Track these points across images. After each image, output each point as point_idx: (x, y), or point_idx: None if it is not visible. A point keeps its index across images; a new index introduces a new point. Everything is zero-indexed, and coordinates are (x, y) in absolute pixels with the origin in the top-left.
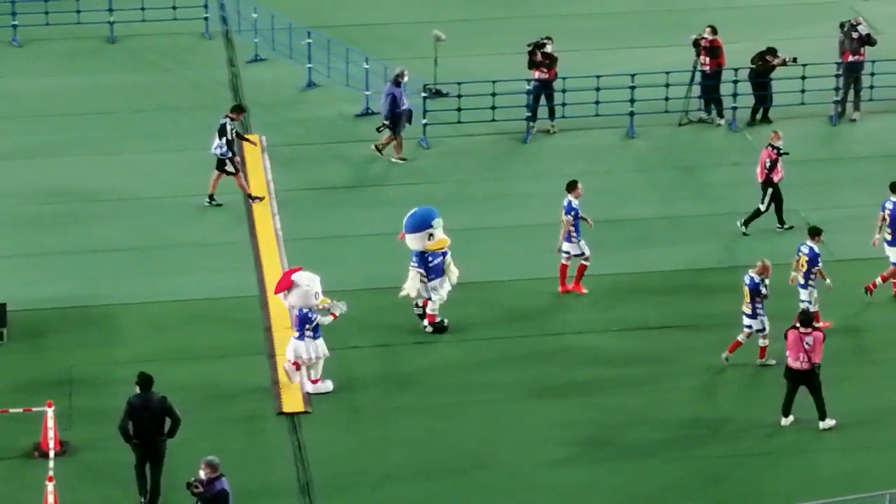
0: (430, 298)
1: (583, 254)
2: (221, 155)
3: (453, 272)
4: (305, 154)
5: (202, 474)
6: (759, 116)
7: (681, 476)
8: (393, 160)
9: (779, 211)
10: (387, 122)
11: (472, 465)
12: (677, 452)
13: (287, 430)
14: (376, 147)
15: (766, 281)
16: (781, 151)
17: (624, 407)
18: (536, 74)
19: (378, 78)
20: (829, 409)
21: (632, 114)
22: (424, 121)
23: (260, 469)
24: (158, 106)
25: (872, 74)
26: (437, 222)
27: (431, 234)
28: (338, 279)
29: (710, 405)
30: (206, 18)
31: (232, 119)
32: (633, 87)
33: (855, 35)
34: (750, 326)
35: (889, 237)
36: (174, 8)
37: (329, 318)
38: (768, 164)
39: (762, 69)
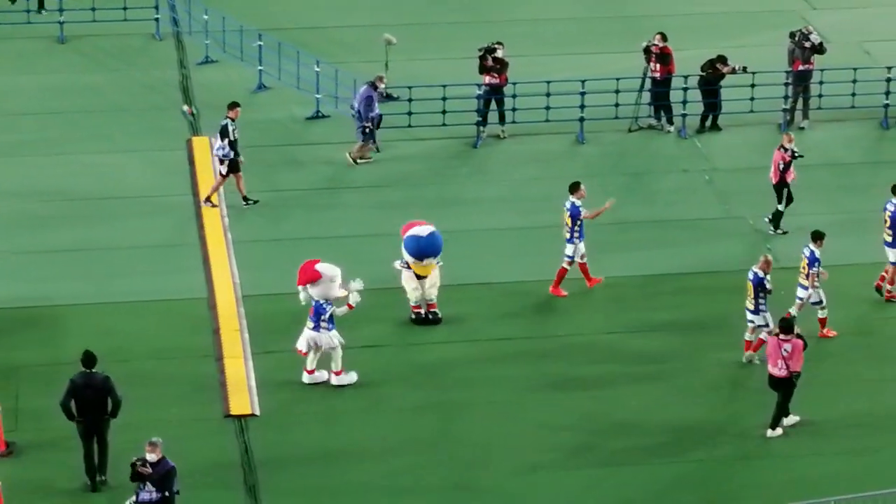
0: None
1: (578, 255)
2: (224, 156)
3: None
4: (256, 156)
5: (149, 456)
6: (708, 124)
7: (676, 480)
8: (357, 161)
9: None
10: (368, 126)
11: (431, 464)
12: (671, 457)
13: (234, 433)
14: (351, 157)
15: (769, 276)
16: (796, 154)
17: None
18: (487, 79)
19: (329, 81)
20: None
21: (582, 119)
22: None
23: (207, 471)
24: (109, 107)
25: (821, 83)
26: (429, 261)
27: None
28: (288, 282)
29: (685, 409)
30: (156, 20)
31: (232, 119)
32: (583, 93)
33: (807, 44)
34: (752, 321)
35: (889, 238)
36: (125, 9)
37: (344, 309)
38: (782, 167)
39: (712, 77)
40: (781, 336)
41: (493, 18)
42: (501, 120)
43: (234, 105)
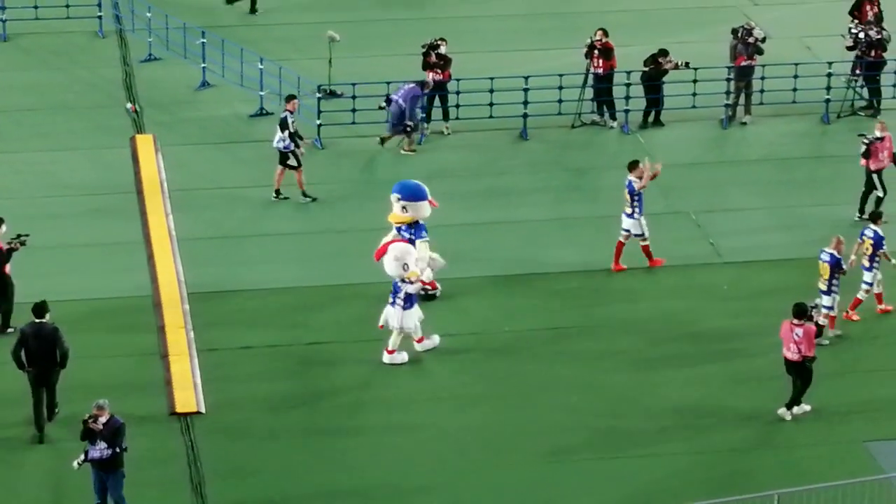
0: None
1: (642, 234)
2: (284, 148)
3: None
4: (199, 154)
5: (99, 415)
6: (650, 119)
7: (685, 469)
8: (403, 152)
9: (865, 199)
10: (410, 124)
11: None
12: (686, 443)
13: (179, 430)
14: (382, 138)
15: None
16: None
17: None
18: (431, 76)
19: (272, 78)
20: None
21: (525, 116)
22: (318, 121)
23: (152, 469)
24: (52, 105)
25: (763, 78)
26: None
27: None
28: (234, 279)
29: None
30: (99, 17)
31: (290, 111)
32: (526, 90)
33: (750, 40)
34: (822, 303)
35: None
36: (67, 6)
37: (416, 286)
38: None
39: (654, 72)
40: (794, 321)
41: (436, 15)
42: (445, 116)
43: (291, 98)
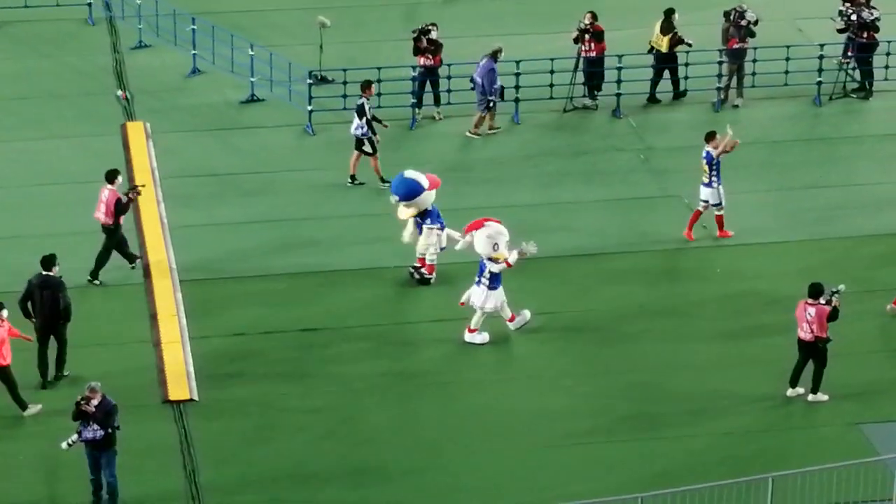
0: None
1: (719, 203)
2: (362, 135)
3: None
4: (190, 141)
5: (91, 398)
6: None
7: (691, 452)
8: (468, 134)
9: None
10: (493, 98)
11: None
12: (691, 428)
13: (173, 418)
14: (472, 133)
15: None
16: None
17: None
18: (422, 61)
19: (263, 64)
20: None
21: (517, 100)
22: (310, 108)
23: (146, 457)
24: (42, 93)
25: (755, 61)
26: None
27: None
28: (224, 267)
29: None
30: (89, 5)
31: (367, 98)
32: (517, 74)
33: (742, 22)
34: None
35: None
36: None
37: (500, 266)
38: None
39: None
40: (808, 301)
41: (426, 0)
42: (436, 101)
43: (368, 84)
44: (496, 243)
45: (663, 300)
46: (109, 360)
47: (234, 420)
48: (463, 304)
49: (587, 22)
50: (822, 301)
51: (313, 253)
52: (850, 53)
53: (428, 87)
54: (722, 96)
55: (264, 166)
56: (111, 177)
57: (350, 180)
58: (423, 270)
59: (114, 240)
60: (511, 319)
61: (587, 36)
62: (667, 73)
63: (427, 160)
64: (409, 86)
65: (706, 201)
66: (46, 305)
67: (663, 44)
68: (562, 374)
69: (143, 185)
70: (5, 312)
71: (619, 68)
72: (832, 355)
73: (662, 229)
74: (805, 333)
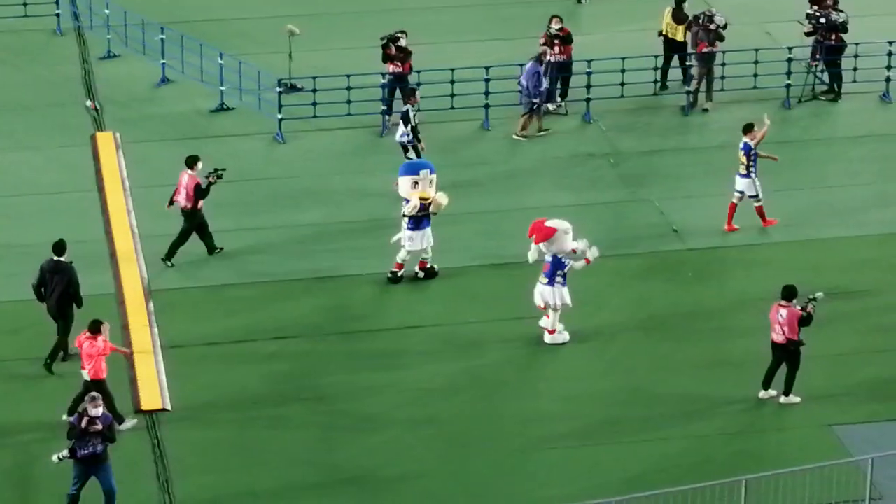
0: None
1: (756, 195)
2: (409, 142)
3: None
4: (161, 150)
5: (93, 411)
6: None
7: (666, 456)
8: (515, 137)
9: None
10: (536, 102)
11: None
12: (665, 431)
13: (146, 428)
14: (518, 135)
15: None
16: None
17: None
18: (391, 68)
19: (233, 73)
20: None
21: (487, 106)
22: (280, 116)
23: (119, 467)
24: (11, 104)
25: (724, 65)
26: (425, 173)
27: (416, 183)
28: (197, 275)
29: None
30: (57, 15)
31: (412, 105)
32: (487, 80)
33: (711, 26)
34: None
35: None
36: (25, 4)
37: (581, 263)
38: None
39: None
40: (781, 303)
41: (395, 7)
42: None
43: (412, 91)
44: (570, 240)
45: (637, 304)
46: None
47: (207, 429)
48: (543, 308)
49: (556, 28)
50: (798, 306)
51: (281, 261)
52: (818, 56)
53: (398, 93)
54: (691, 100)
55: (234, 175)
56: (191, 162)
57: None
58: (428, 267)
59: (193, 223)
60: (551, 332)
61: (556, 40)
62: (675, 61)
63: (397, 167)
64: (378, 93)
65: (742, 192)
66: (57, 289)
67: (678, 32)
68: (537, 378)
69: (224, 169)
70: (106, 329)
71: (589, 73)
72: (804, 357)
73: (634, 234)
74: (778, 336)
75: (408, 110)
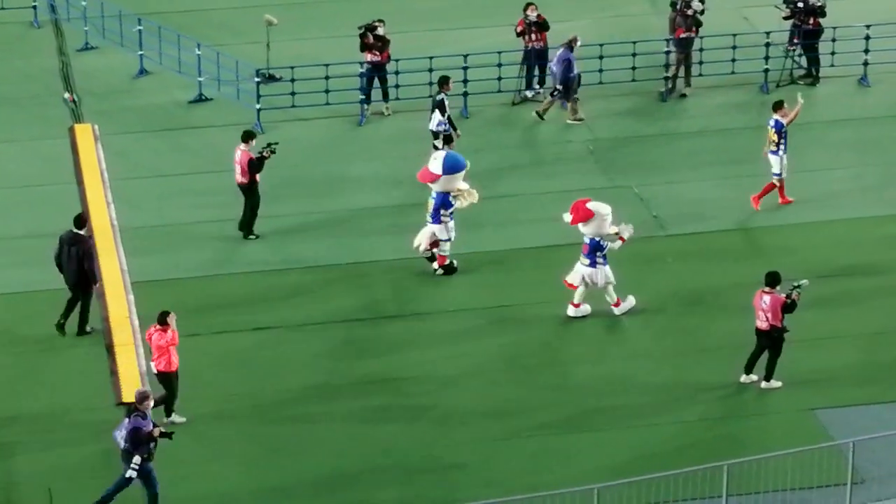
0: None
1: (780, 173)
2: (445, 130)
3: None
4: (140, 142)
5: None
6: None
7: (649, 442)
8: (569, 122)
9: None
10: (560, 88)
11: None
12: (648, 418)
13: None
14: (538, 113)
15: None
16: None
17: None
18: (369, 57)
19: (211, 64)
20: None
21: (465, 94)
22: (258, 106)
23: (101, 459)
24: None
25: (701, 50)
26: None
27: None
28: (174, 266)
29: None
30: (34, 7)
31: (446, 93)
32: (465, 68)
33: (689, 12)
34: None
35: None
36: None
37: (618, 244)
38: None
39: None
40: (765, 289)
41: None
42: (385, 97)
43: (446, 80)
44: (611, 220)
45: (618, 290)
46: (62, 363)
47: (188, 421)
48: (575, 287)
49: (533, 15)
50: (783, 293)
51: (264, 251)
52: (796, 40)
53: (376, 82)
54: (670, 86)
55: (214, 166)
56: (246, 137)
57: None
58: (447, 263)
59: (254, 198)
60: (617, 304)
61: (533, 27)
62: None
63: (377, 155)
64: (357, 82)
65: (779, 174)
66: (74, 261)
67: None
68: (517, 366)
69: (277, 143)
70: (173, 320)
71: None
72: (785, 342)
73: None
74: (761, 322)
75: (443, 98)
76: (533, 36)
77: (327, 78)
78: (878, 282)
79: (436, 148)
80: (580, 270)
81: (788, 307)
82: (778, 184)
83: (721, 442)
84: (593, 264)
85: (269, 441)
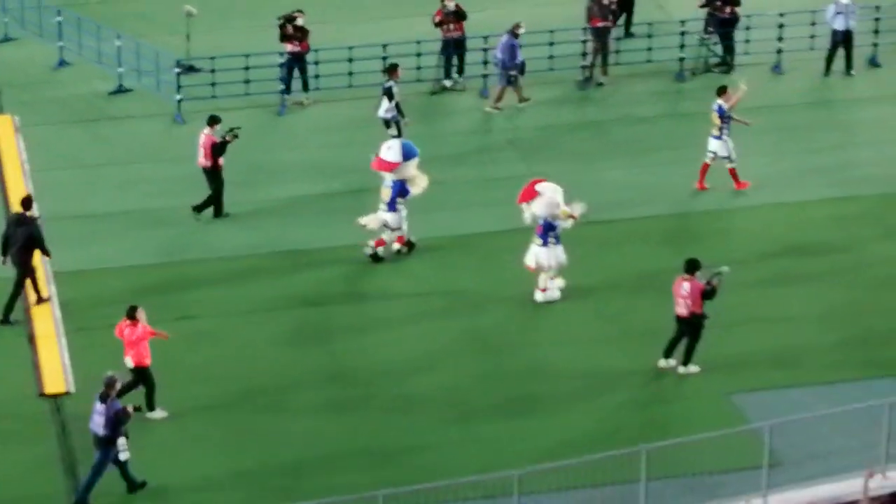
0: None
1: (729, 156)
2: (392, 118)
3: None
4: (60, 133)
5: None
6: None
7: (574, 428)
8: (488, 109)
9: None
10: (514, 73)
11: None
12: (569, 404)
13: (49, 412)
14: (522, 100)
15: None
16: None
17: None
18: (289, 47)
19: (131, 55)
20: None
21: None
22: (179, 97)
23: (24, 451)
24: None
25: (618, 39)
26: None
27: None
28: (97, 257)
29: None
30: None
31: (395, 80)
32: (384, 58)
33: (605, 1)
34: None
35: None
36: None
37: (570, 222)
38: None
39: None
40: (684, 276)
41: None
42: (305, 87)
43: (394, 67)
44: (558, 201)
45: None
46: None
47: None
48: (534, 269)
49: (452, 6)
50: (703, 280)
51: (182, 243)
52: (710, 29)
53: (296, 73)
54: (587, 74)
55: (133, 157)
56: (211, 122)
57: None
58: (400, 246)
59: (217, 181)
60: (543, 290)
61: (450, 16)
62: None
63: (297, 145)
64: (277, 72)
65: (714, 153)
66: (19, 240)
67: None
68: (443, 353)
69: (240, 128)
70: (141, 314)
71: (485, 49)
72: (704, 328)
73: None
74: (681, 309)
75: (391, 86)
76: (451, 26)
77: (247, 68)
78: (793, 267)
79: (391, 137)
80: (533, 251)
81: (708, 294)
82: (730, 166)
83: (641, 427)
84: (545, 244)
85: (234, 429)
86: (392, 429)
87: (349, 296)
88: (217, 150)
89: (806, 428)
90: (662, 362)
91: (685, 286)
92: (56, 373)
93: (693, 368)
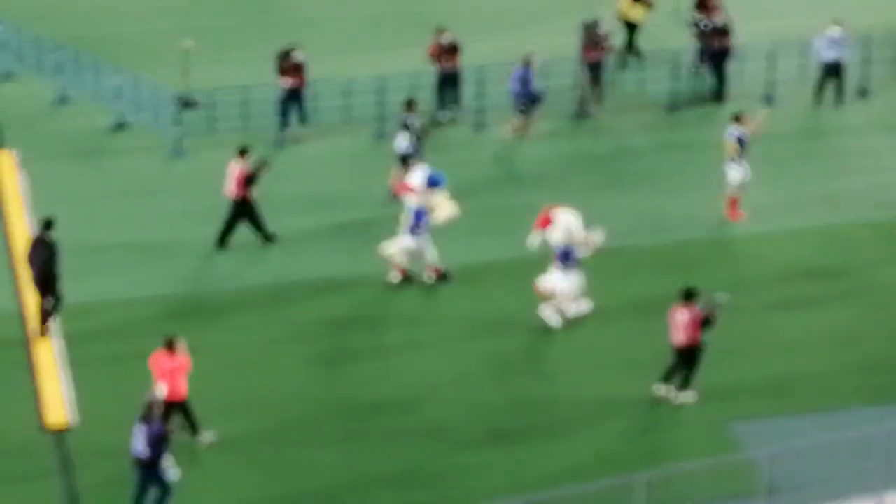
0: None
1: (741, 185)
2: (415, 152)
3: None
4: (61, 168)
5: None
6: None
7: (571, 457)
8: (509, 135)
9: None
10: (523, 107)
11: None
12: (566, 434)
13: (52, 446)
14: (515, 132)
15: None
16: None
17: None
18: (286, 82)
19: (129, 89)
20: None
21: (382, 117)
22: (178, 131)
23: (27, 485)
24: None
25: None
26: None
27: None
28: (99, 290)
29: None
30: None
31: (414, 114)
32: (381, 91)
33: (600, 32)
34: None
35: None
36: None
37: (589, 250)
38: None
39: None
40: (681, 304)
41: (288, 20)
42: (302, 121)
43: (413, 102)
44: (575, 228)
45: (532, 308)
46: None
47: (114, 445)
48: (544, 294)
49: (448, 39)
50: (704, 312)
51: (182, 275)
52: (703, 60)
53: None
54: (581, 106)
55: (136, 191)
56: (242, 153)
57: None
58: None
59: (242, 212)
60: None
61: (445, 51)
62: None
63: (296, 178)
64: (275, 106)
65: (739, 182)
66: (39, 261)
67: (638, 13)
68: (437, 386)
69: (269, 156)
70: (182, 344)
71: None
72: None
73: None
74: (679, 337)
75: (412, 120)
76: (445, 58)
77: (246, 102)
78: (791, 295)
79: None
80: (550, 277)
81: (707, 323)
82: (731, 197)
83: (638, 456)
84: (562, 271)
85: (264, 457)
86: (383, 458)
87: (366, 322)
88: (249, 180)
89: (802, 456)
90: (658, 388)
91: (682, 315)
92: (58, 407)
93: (690, 396)
